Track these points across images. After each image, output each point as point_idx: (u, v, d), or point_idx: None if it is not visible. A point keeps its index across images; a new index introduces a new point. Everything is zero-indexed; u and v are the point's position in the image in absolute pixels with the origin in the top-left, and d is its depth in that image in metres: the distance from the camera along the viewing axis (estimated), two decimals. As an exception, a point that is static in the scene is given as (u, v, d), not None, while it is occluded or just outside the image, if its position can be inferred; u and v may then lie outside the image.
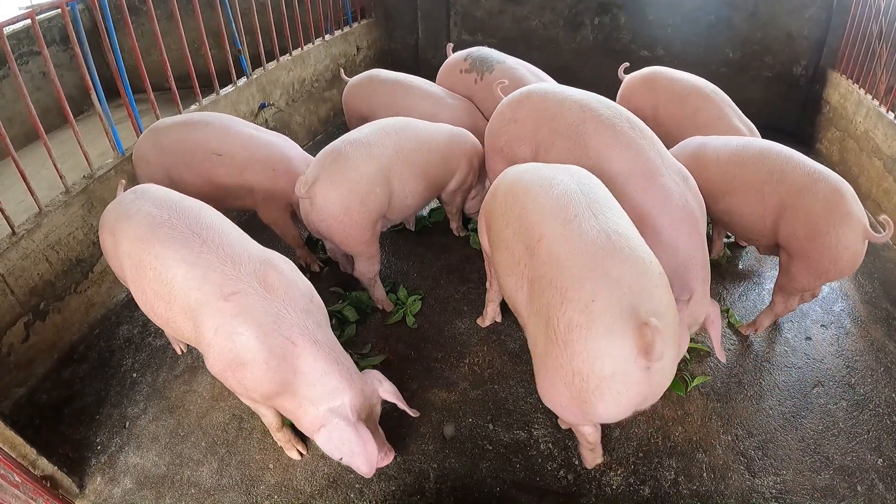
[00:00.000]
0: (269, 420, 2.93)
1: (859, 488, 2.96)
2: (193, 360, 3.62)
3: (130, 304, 4.00)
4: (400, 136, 3.71)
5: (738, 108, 4.49)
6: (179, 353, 3.66)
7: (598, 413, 2.34)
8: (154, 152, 3.80)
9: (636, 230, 2.59)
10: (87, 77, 3.80)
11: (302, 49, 6.10)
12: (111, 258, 3.00)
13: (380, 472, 2.98)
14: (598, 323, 2.21)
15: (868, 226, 3.22)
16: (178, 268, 2.62)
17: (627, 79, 5.01)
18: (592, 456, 2.98)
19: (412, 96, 4.85)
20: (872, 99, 5.41)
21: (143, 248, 2.71)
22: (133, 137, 4.22)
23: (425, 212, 4.93)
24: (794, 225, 3.34)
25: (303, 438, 3.14)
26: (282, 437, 3.05)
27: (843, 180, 3.36)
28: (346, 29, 6.90)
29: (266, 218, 4.01)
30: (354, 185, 3.42)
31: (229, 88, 5.08)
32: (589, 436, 2.78)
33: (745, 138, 3.79)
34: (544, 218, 2.56)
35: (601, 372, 2.22)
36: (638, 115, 4.79)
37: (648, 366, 2.22)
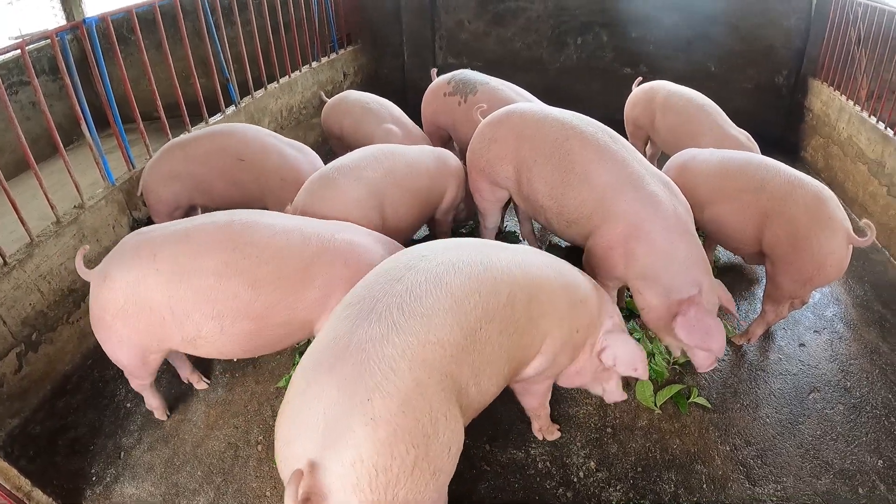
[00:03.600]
0: None
1: (861, 491, 2.96)
2: (187, 388, 3.60)
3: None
4: (389, 161, 3.74)
5: (729, 119, 4.65)
6: (165, 417, 3.46)
7: None
8: (185, 165, 3.97)
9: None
10: (77, 107, 3.82)
11: (289, 76, 6.14)
12: (135, 321, 2.73)
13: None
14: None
15: (851, 230, 3.27)
16: (293, 220, 2.94)
17: (633, 91, 5.32)
18: None
19: (369, 118, 5.09)
20: (854, 105, 5.49)
21: (224, 248, 2.71)
22: (122, 167, 4.23)
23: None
24: (777, 233, 3.39)
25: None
26: None
27: (824, 186, 3.43)
28: (333, 55, 6.97)
29: None
30: (344, 210, 3.43)
31: (218, 117, 5.11)
32: None
33: (730, 151, 3.88)
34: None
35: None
36: (638, 125, 5.12)
37: None
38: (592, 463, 3.11)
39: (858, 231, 3.31)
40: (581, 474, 3.06)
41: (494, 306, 2.25)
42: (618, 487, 2.99)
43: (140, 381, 3.18)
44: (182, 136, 4.13)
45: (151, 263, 2.68)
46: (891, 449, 3.17)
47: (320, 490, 1.86)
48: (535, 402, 3.04)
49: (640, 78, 5.45)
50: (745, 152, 3.86)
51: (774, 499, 2.92)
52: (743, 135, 4.50)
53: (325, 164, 3.83)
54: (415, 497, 1.96)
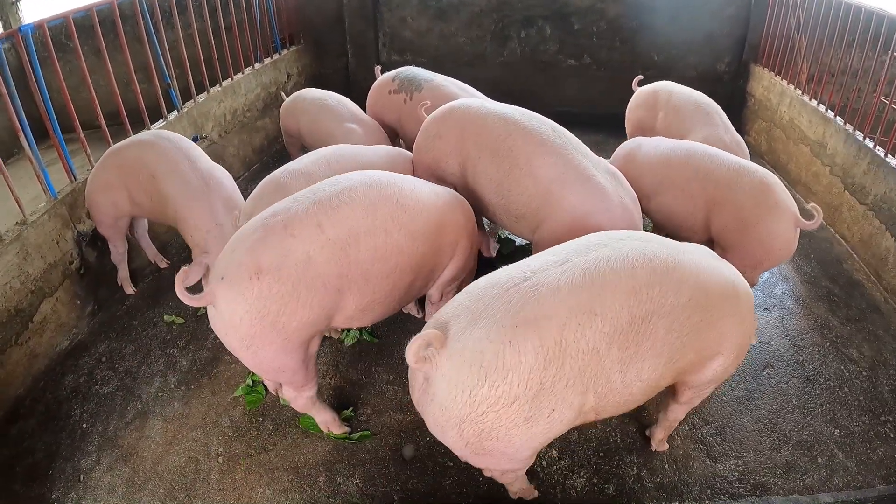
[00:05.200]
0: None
1: (820, 460, 3.06)
2: (143, 404, 3.51)
3: (74, 352, 3.88)
4: (341, 164, 3.65)
5: (728, 121, 4.55)
6: (341, 430, 3.25)
7: None
8: (117, 173, 3.83)
9: None
10: (15, 118, 3.69)
11: (232, 79, 6.03)
12: (306, 307, 2.60)
13: (343, 499, 2.94)
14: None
15: (798, 214, 3.36)
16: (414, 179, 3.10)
17: (637, 92, 5.20)
18: None
19: (324, 114, 5.01)
20: (795, 89, 5.65)
21: (387, 204, 2.79)
22: (64, 179, 4.11)
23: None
24: (724, 219, 3.47)
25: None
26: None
27: (769, 172, 3.51)
28: (276, 56, 6.87)
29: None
30: None
31: (160, 123, 4.99)
32: None
33: (676, 140, 3.91)
34: None
35: None
36: (642, 125, 5.01)
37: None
38: (554, 451, 3.13)
39: (805, 214, 3.40)
40: (544, 463, 3.08)
41: (672, 304, 2.26)
42: (581, 474, 3.02)
43: (309, 391, 2.98)
44: (121, 142, 4.00)
45: (319, 234, 2.58)
46: (846, 418, 3.28)
47: (435, 359, 2.09)
48: (682, 414, 2.96)
49: (640, 77, 5.35)
50: (690, 142, 3.89)
51: (736, 474, 2.99)
52: (733, 140, 4.37)
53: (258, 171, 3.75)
54: (499, 428, 2.11)
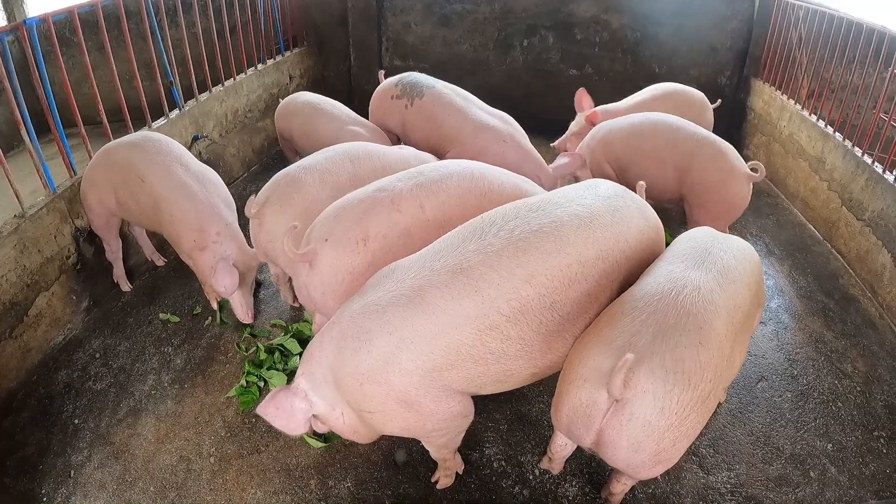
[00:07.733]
0: None
1: (812, 474, 3.06)
2: (136, 402, 3.50)
3: (68, 348, 3.87)
4: (356, 164, 3.61)
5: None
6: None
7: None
8: (104, 171, 3.81)
9: None
10: (17, 111, 3.68)
11: (234, 79, 6.04)
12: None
13: (334, 503, 2.93)
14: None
15: (749, 171, 3.96)
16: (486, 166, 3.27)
17: None
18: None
19: (320, 118, 5.06)
20: (795, 104, 5.66)
21: (473, 196, 3.04)
22: (64, 174, 4.11)
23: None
24: (690, 182, 4.12)
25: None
26: None
27: (725, 142, 4.12)
28: (279, 58, 6.88)
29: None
30: (304, 209, 3.33)
31: (162, 121, 4.99)
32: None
33: (643, 114, 4.42)
34: None
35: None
36: None
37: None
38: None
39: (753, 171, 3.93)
40: (536, 472, 3.07)
41: (756, 292, 2.66)
42: (573, 483, 3.01)
43: None
44: (113, 141, 3.99)
45: (421, 214, 2.88)
46: (839, 433, 3.29)
47: (633, 383, 2.09)
48: None
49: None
50: (655, 114, 4.43)
51: (728, 486, 2.99)
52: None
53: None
54: (696, 426, 2.18)
